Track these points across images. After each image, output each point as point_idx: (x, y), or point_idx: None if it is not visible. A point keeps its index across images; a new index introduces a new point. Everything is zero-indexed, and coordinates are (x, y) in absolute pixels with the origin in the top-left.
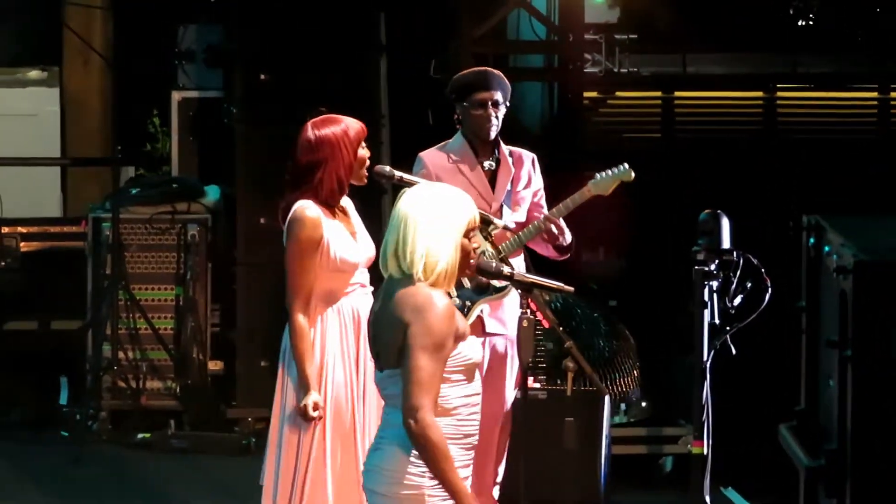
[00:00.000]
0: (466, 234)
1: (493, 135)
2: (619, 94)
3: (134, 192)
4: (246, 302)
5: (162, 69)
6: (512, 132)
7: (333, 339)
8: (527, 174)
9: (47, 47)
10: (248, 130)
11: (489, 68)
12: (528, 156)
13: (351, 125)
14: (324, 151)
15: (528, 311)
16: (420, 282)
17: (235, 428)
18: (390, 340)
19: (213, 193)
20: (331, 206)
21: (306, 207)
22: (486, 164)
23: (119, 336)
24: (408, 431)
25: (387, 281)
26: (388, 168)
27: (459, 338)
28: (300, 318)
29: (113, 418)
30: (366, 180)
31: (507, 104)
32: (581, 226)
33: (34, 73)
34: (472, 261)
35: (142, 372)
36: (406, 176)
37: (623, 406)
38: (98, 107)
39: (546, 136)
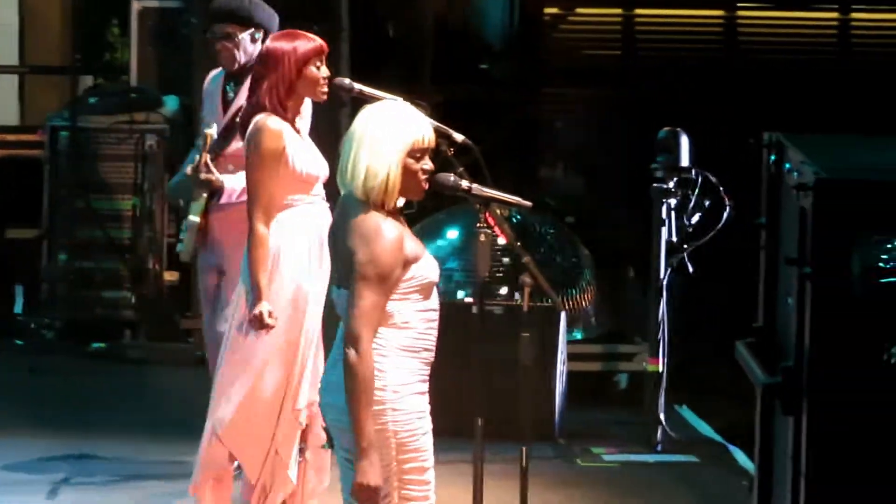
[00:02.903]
0: (412, 154)
1: (230, 66)
2: (579, 10)
3: (92, 101)
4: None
5: None
6: (473, 47)
7: (299, 245)
8: None
9: None
10: (207, 41)
11: None
12: None
13: (303, 42)
14: (268, 65)
15: (486, 225)
16: (368, 206)
17: (190, 339)
18: (344, 262)
19: (172, 104)
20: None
21: (268, 119)
22: (230, 92)
23: (75, 246)
24: (344, 358)
25: (342, 197)
26: (347, 81)
27: (412, 261)
28: (261, 228)
29: (68, 328)
30: (324, 97)
31: (255, 32)
32: (541, 142)
33: None
34: (421, 181)
35: (98, 281)
36: (365, 89)
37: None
38: (57, 15)
39: (507, 52)
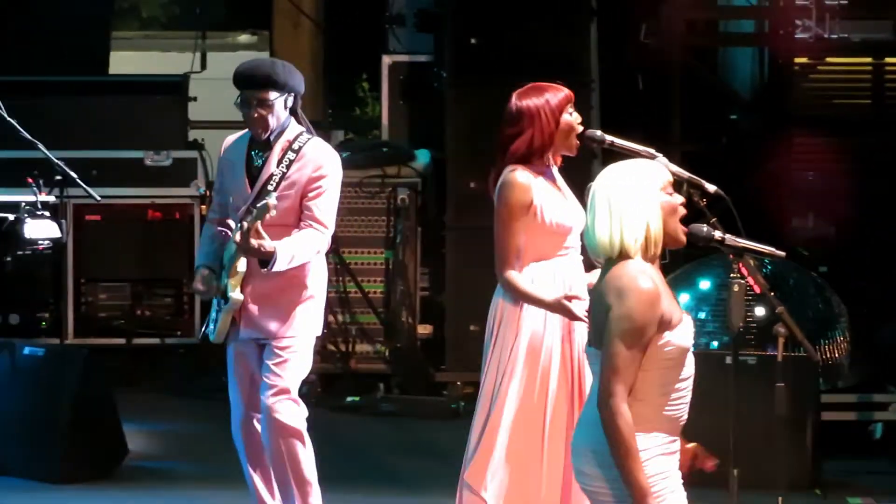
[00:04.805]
0: (663, 189)
1: (262, 135)
2: (829, 59)
3: (344, 155)
4: (455, 266)
5: (372, 33)
6: (722, 97)
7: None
8: (304, 177)
9: (257, 11)
10: (458, 94)
11: (268, 59)
12: (317, 162)
13: (553, 94)
14: (524, 121)
15: (739, 275)
16: (626, 258)
17: (444, 392)
18: (598, 320)
19: (422, 157)
20: (540, 172)
21: (516, 173)
22: (257, 160)
23: (329, 300)
24: (601, 416)
25: (604, 265)
26: (598, 132)
27: (666, 325)
28: (511, 274)
29: (323, 381)
30: (576, 149)
31: (291, 97)
32: (791, 191)
33: (244, 38)
34: (678, 217)
35: (351, 335)
36: (617, 140)
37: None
38: (307, 71)
39: (756, 102)
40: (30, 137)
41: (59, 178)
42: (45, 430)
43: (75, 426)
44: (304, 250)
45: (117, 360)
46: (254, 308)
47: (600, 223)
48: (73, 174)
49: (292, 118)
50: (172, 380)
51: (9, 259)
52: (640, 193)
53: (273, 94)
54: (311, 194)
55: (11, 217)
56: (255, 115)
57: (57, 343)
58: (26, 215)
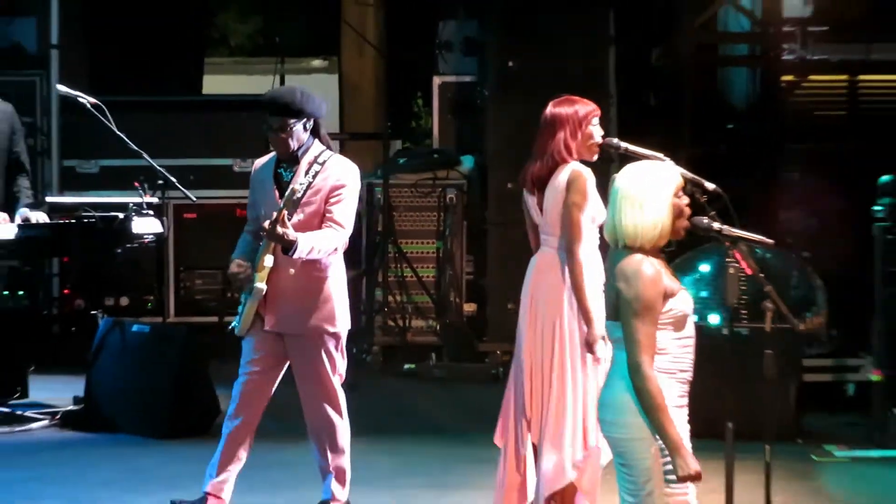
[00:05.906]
0: (675, 195)
1: (284, 154)
2: (811, 77)
3: (401, 161)
4: (495, 254)
5: (425, 58)
6: (723, 110)
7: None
8: (327, 186)
9: (328, 40)
10: (498, 109)
11: (289, 89)
12: (339, 174)
13: (583, 106)
14: (555, 126)
15: (734, 260)
16: (633, 251)
17: (486, 359)
18: (611, 300)
19: (468, 162)
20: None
21: (581, 167)
22: (286, 175)
23: (389, 283)
24: (633, 384)
25: (611, 250)
26: (615, 140)
27: (669, 295)
28: (582, 255)
29: (384, 352)
30: (595, 155)
31: (307, 122)
32: (780, 190)
33: (317, 62)
34: (685, 218)
35: (408, 313)
36: (631, 147)
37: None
38: (371, 90)
39: (750, 114)
40: (136, 148)
41: (161, 182)
42: (152, 395)
43: (176, 391)
44: (323, 244)
45: (211, 335)
46: (280, 303)
47: (628, 216)
48: (173, 179)
49: (315, 138)
50: None
51: (119, 251)
52: (660, 196)
53: (291, 121)
54: (332, 200)
55: (121, 215)
56: (276, 138)
57: (160, 321)
58: (133, 214)
